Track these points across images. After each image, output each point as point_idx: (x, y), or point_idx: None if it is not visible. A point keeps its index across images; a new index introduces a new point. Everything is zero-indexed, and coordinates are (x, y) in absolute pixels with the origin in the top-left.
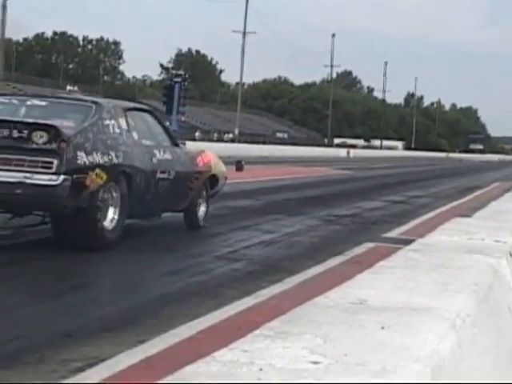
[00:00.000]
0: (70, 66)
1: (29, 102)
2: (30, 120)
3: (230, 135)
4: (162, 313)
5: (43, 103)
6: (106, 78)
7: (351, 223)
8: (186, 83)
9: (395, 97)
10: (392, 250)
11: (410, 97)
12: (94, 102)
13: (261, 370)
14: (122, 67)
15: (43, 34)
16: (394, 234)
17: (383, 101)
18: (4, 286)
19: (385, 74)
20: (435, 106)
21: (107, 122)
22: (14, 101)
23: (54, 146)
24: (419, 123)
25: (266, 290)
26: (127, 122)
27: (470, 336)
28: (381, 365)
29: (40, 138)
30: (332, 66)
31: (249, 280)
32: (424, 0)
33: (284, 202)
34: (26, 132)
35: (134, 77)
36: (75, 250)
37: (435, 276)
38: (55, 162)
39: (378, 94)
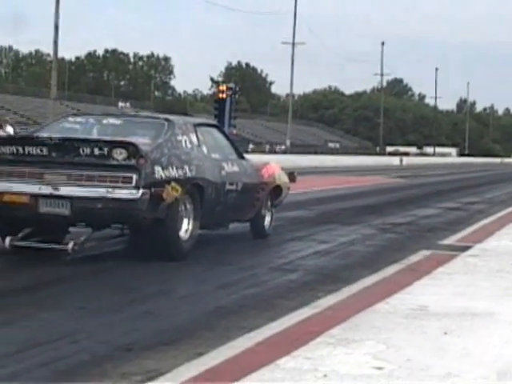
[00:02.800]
0: (122, 83)
1: (105, 121)
2: (110, 138)
3: (282, 147)
4: (218, 325)
5: (118, 122)
6: (156, 93)
7: (406, 231)
8: (237, 96)
9: (447, 103)
10: (449, 257)
11: (462, 102)
12: (166, 119)
13: (325, 376)
14: (172, 82)
15: (95, 52)
16: (450, 240)
17: (435, 107)
18: (64, 301)
19: (436, 81)
20: (488, 111)
21: (179, 137)
22: (91, 120)
23: (133, 161)
24: (472, 129)
25: (323, 300)
26: (197, 137)
27: None
28: (445, 369)
29: (120, 154)
30: (382, 75)
31: (305, 290)
32: (473, 4)
33: (338, 212)
34: (106, 149)
35: (184, 91)
36: (133, 265)
37: (496, 281)
38: (135, 176)
39: (429, 100)
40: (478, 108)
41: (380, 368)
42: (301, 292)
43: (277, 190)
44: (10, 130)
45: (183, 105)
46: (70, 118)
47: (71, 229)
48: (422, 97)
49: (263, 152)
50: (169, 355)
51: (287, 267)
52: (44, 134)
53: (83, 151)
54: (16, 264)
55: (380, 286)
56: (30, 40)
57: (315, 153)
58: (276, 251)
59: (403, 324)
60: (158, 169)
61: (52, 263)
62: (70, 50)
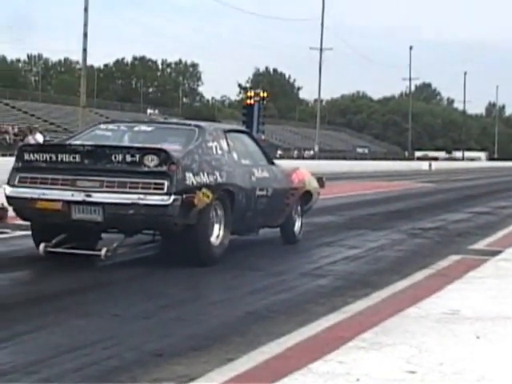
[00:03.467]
0: (150, 90)
1: (136, 128)
2: (142, 145)
3: (311, 152)
4: (248, 331)
5: (150, 128)
6: (185, 100)
7: (436, 236)
8: (265, 102)
9: (476, 107)
10: (479, 262)
11: (491, 106)
12: (196, 126)
13: (358, 380)
14: (200, 89)
15: (123, 59)
16: (480, 245)
17: (464, 112)
18: (96, 308)
19: (464, 85)
20: None
21: (210, 143)
22: (123, 127)
23: (164, 168)
24: (502, 133)
25: (353, 305)
26: (227, 143)
27: None
28: (478, 374)
29: (151, 161)
30: (410, 79)
31: (335, 296)
32: (502, 7)
33: (367, 217)
34: (138, 156)
35: (212, 98)
36: (164, 271)
37: None
38: (166, 183)
39: (458, 105)
40: (508, 112)
41: (413, 372)
42: (331, 297)
43: (307, 196)
44: (39, 137)
45: (211, 111)
46: (102, 126)
47: (103, 235)
48: (450, 101)
49: (291, 158)
50: (199, 361)
51: (317, 273)
52: (76, 142)
53: (115, 158)
54: (50, 270)
55: (410, 290)
56: (60, 48)
57: (344, 158)
58: (305, 257)
59: (435, 328)
60: (189, 175)
61: (85, 269)
62: (99, 58)
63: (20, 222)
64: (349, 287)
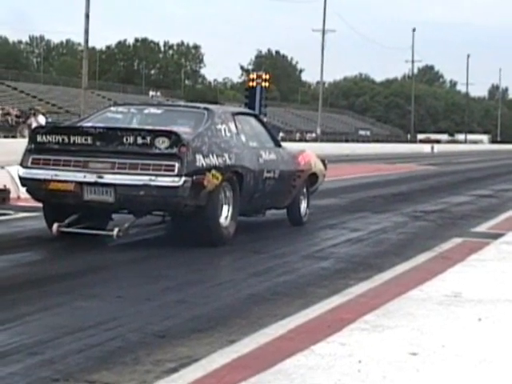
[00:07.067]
0: (152, 72)
1: (146, 111)
2: (153, 127)
3: (313, 134)
4: (251, 313)
5: (159, 111)
6: (187, 82)
7: (438, 219)
8: (267, 84)
9: (479, 90)
10: (482, 245)
11: (494, 89)
12: (205, 109)
13: (360, 361)
14: (202, 71)
15: (125, 41)
16: (482, 228)
17: (467, 94)
18: (101, 289)
19: (467, 67)
20: None
21: (219, 126)
22: (133, 110)
23: (175, 150)
24: (504, 116)
25: (355, 287)
26: (236, 125)
27: None
28: (479, 356)
29: (162, 143)
30: (413, 61)
31: (337, 278)
32: None
33: (369, 200)
34: (149, 138)
35: (215, 80)
36: (171, 252)
37: None
38: (177, 165)
39: (461, 87)
40: (511, 94)
41: (415, 354)
42: (333, 280)
43: (312, 178)
44: (41, 119)
45: (214, 93)
46: (113, 108)
47: (114, 216)
48: (453, 84)
49: (294, 140)
50: (202, 342)
51: (319, 255)
52: (88, 124)
53: (126, 140)
54: (53, 252)
55: (412, 273)
56: (62, 30)
57: (346, 141)
58: (308, 239)
59: (437, 310)
60: (199, 157)
61: (94, 250)
62: (101, 40)
63: (22, 203)
64: (351, 270)
